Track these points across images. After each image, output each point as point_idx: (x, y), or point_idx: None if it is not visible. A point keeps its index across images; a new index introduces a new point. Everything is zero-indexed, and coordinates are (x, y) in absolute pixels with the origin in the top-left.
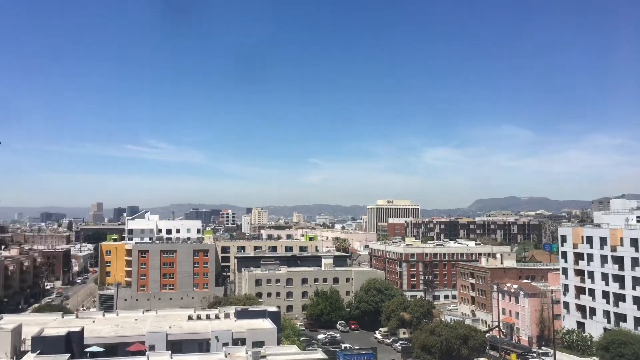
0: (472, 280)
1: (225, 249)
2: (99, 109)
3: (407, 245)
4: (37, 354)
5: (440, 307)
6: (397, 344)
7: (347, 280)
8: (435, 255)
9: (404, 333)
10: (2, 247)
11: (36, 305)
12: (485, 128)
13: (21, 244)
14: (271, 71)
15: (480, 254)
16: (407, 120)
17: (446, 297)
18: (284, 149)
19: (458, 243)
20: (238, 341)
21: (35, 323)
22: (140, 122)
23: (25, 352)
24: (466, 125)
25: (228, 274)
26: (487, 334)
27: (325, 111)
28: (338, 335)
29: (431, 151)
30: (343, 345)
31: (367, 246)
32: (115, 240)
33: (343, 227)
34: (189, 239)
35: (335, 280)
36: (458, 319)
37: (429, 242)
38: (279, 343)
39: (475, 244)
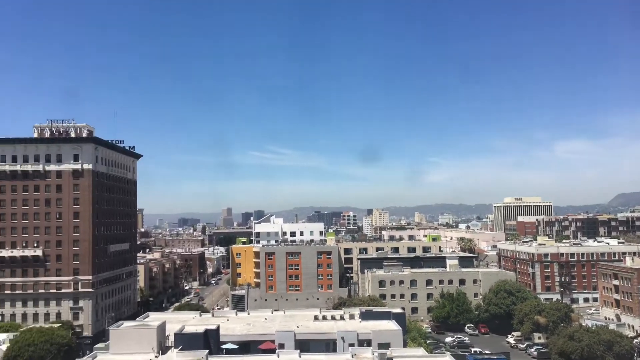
0: (616, 282)
1: (347, 251)
2: (229, 121)
3: (540, 244)
4: (179, 349)
5: (579, 310)
6: (532, 349)
7: (475, 281)
8: (572, 255)
9: (539, 338)
10: (147, 250)
11: (177, 304)
12: (623, 116)
13: (162, 247)
14: (388, 72)
15: (624, 254)
16: (532, 113)
17: (586, 300)
18: (403, 149)
19: (598, 242)
20: (364, 342)
21: (177, 320)
22: (264, 130)
23: (169, 347)
24: (601, 113)
25: (351, 275)
26: (635, 340)
27: (446, 109)
28: (467, 338)
29: (563, 144)
30: (473, 349)
31: (494, 246)
32: (244, 243)
33: (468, 227)
34: (312, 241)
35: (462, 282)
36: (601, 324)
37: (564, 241)
38: (404, 345)
39: (618, 243)
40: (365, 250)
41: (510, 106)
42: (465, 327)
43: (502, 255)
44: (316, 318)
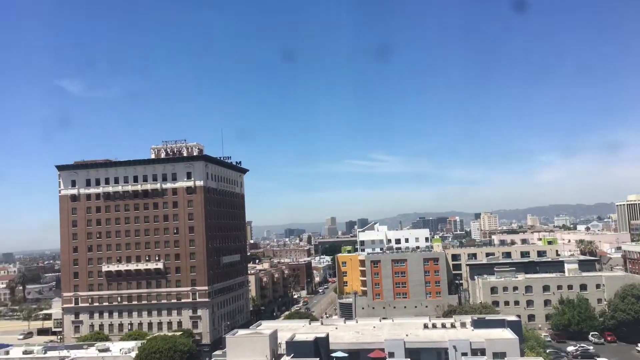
0: None
1: (455, 257)
2: (330, 131)
3: None
4: (291, 357)
5: None
6: None
7: (597, 286)
8: None
9: None
10: (257, 261)
11: (287, 312)
12: None
13: (271, 258)
14: (489, 71)
15: None
16: None
17: None
18: (508, 149)
19: None
20: (477, 351)
21: (288, 329)
22: (365, 138)
23: (281, 355)
24: None
25: (460, 281)
26: None
27: (559, 102)
28: (591, 347)
29: None
30: (598, 359)
31: (619, 248)
32: (349, 251)
33: (587, 228)
34: (417, 247)
35: (583, 287)
36: None
37: None
38: (522, 354)
39: None
40: (474, 255)
41: (634, 96)
42: (589, 335)
43: (627, 257)
44: (426, 326)
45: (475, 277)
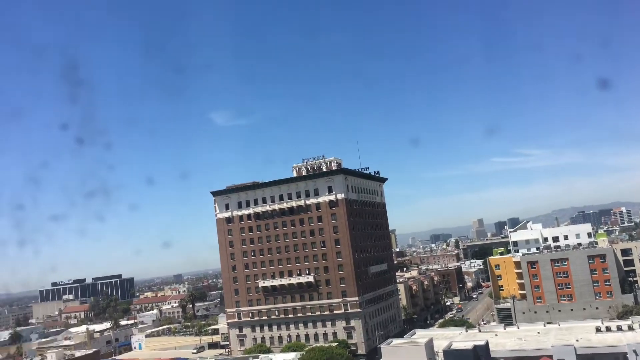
0: None
1: (625, 252)
2: (467, 131)
3: None
4: None
5: None
6: None
7: None
8: None
9: None
10: (404, 269)
11: (440, 320)
12: None
13: (418, 265)
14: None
15: None
16: None
17: None
18: None
19: None
20: None
21: (443, 337)
22: (511, 132)
23: None
24: None
25: (635, 279)
26: None
27: None
28: None
29: None
30: None
31: None
32: (501, 253)
33: None
34: (579, 244)
35: None
36: None
37: None
38: None
39: None
40: None
41: None
42: None
43: None
44: (598, 330)
45: None
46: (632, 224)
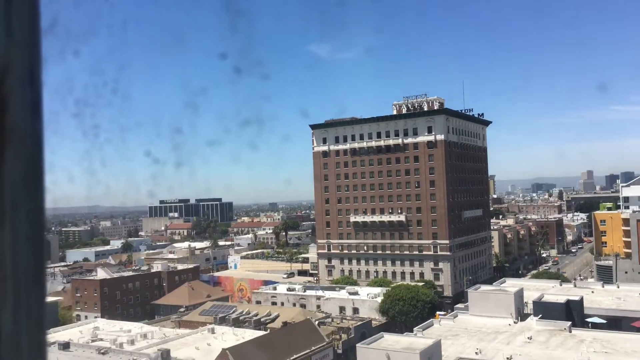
0: None
1: None
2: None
3: None
4: (539, 318)
5: None
6: None
7: None
8: None
9: None
10: (500, 217)
11: (534, 271)
12: None
13: (516, 214)
14: None
15: None
16: None
17: None
18: None
19: None
20: None
21: (535, 288)
22: (627, 80)
23: (527, 315)
24: None
25: None
26: None
27: None
28: None
29: None
30: None
31: None
32: (609, 209)
33: None
34: None
35: None
36: None
37: None
38: None
39: None
40: None
41: None
42: None
43: None
44: None
45: None
46: None
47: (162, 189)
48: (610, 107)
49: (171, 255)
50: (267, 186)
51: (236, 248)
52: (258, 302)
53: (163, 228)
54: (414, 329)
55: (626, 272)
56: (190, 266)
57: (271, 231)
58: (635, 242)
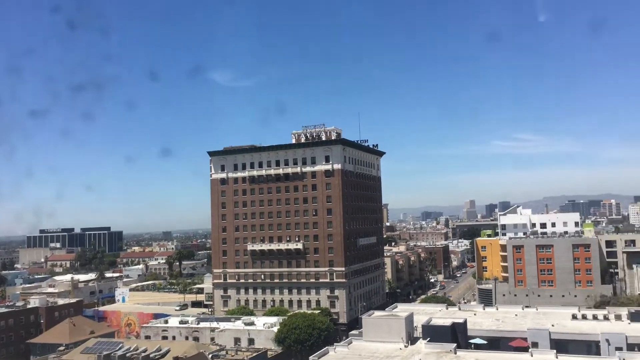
0: None
1: (610, 243)
2: (467, 110)
3: None
4: (427, 341)
5: None
6: None
7: None
8: None
9: None
10: (393, 244)
11: (423, 296)
12: None
13: (407, 241)
14: None
15: None
16: None
17: None
18: None
19: None
20: (634, 346)
21: (424, 312)
22: (506, 118)
23: (417, 338)
24: None
25: (616, 270)
26: None
27: None
28: None
29: None
30: None
31: None
32: (489, 235)
33: None
34: (566, 232)
35: None
36: None
37: None
38: None
39: None
40: (632, 242)
41: None
42: None
43: None
44: (574, 317)
45: (634, 265)
46: (620, 216)
47: (44, 217)
48: (492, 142)
49: (51, 289)
50: (161, 214)
51: (125, 280)
52: (147, 337)
53: (43, 259)
54: (310, 357)
55: (504, 295)
56: (73, 300)
57: (164, 261)
58: (511, 267)
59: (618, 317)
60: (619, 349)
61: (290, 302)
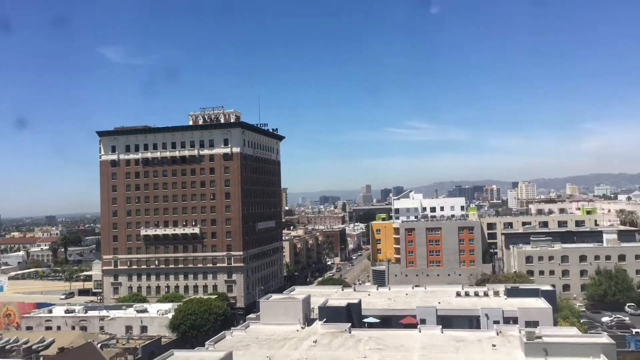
0: None
1: (491, 226)
2: (366, 99)
3: None
4: (323, 322)
5: None
6: None
7: (637, 257)
8: None
9: None
10: (291, 227)
11: (320, 278)
12: None
13: (305, 224)
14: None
15: None
16: None
17: None
18: (552, 116)
19: None
20: (509, 320)
21: (321, 294)
22: (400, 105)
23: (314, 320)
24: None
25: (495, 251)
26: None
27: (603, 67)
28: (627, 318)
29: None
30: (634, 330)
31: None
32: (383, 219)
33: (629, 198)
34: (453, 216)
35: (621, 258)
36: None
37: None
38: (555, 324)
39: None
40: (510, 225)
41: None
42: (626, 307)
43: None
44: (458, 294)
45: (511, 246)
46: (500, 201)
47: None
48: (386, 129)
49: None
50: (44, 197)
51: (3, 268)
52: (29, 328)
53: None
54: (206, 343)
55: (396, 275)
56: None
57: (48, 247)
58: (403, 248)
59: (496, 294)
60: (496, 322)
61: (186, 287)
